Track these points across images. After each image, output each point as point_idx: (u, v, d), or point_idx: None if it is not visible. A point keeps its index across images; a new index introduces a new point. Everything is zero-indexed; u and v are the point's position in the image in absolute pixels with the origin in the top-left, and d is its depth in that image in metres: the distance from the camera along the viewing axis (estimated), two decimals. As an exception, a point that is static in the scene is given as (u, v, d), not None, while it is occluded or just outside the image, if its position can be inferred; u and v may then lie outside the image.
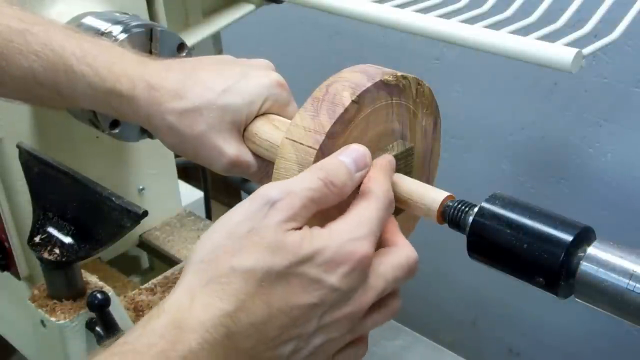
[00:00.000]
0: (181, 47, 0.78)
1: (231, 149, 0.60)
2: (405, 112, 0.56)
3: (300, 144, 0.51)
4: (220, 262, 0.44)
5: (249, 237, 0.45)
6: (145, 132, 0.82)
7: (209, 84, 0.60)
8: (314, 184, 0.47)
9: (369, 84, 0.52)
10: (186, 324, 0.43)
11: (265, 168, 0.62)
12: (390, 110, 0.55)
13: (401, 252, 0.48)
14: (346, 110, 0.51)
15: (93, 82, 0.62)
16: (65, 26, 0.68)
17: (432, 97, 0.58)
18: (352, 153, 0.49)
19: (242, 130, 0.61)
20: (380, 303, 0.48)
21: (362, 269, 0.45)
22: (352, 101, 0.51)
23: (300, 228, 0.45)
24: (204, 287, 0.44)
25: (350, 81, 0.52)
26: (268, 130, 0.60)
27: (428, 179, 0.62)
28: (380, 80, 0.52)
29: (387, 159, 0.53)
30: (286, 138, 0.52)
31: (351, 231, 0.46)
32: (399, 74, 0.54)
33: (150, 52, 0.76)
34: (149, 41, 0.76)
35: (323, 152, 0.50)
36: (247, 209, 0.46)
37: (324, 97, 0.52)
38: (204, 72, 0.62)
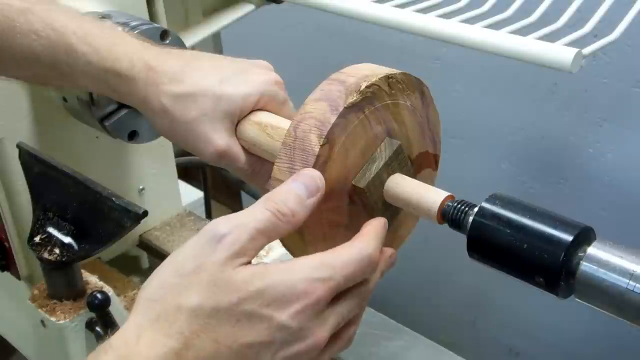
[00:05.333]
0: (164, 34, 0.78)
1: (221, 139, 0.60)
2: (384, 110, 0.54)
3: None
4: (168, 300, 0.44)
5: (196, 274, 0.44)
6: (133, 137, 0.82)
7: (207, 73, 0.61)
8: (261, 215, 0.46)
9: (333, 118, 0.50)
10: None
11: (253, 165, 0.62)
12: (366, 123, 0.52)
13: (357, 290, 0.48)
14: (319, 155, 0.49)
15: (92, 61, 0.63)
16: (68, 8, 0.69)
17: (407, 77, 0.55)
18: (302, 178, 0.48)
19: (235, 122, 0.61)
20: (336, 335, 0.47)
21: (314, 309, 0.44)
22: (322, 145, 0.49)
23: (249, 262, 0.45)
24: (151, 325, 0.44)
25: (316, 118, 0.50)
26: (255, 132, 0.61)
27: (434, 141, 0.60)
28: (344, 107, 0.50)
29: (381, 222, 0.51)
30: None
31: (310, 271, 0.45)
32: (363, 86, 0.51)
33: None
34: None
35: None
36: (195, 245, 0.45)
37: (294, 143, 0.50)
38: (204, 62, 0.63)
